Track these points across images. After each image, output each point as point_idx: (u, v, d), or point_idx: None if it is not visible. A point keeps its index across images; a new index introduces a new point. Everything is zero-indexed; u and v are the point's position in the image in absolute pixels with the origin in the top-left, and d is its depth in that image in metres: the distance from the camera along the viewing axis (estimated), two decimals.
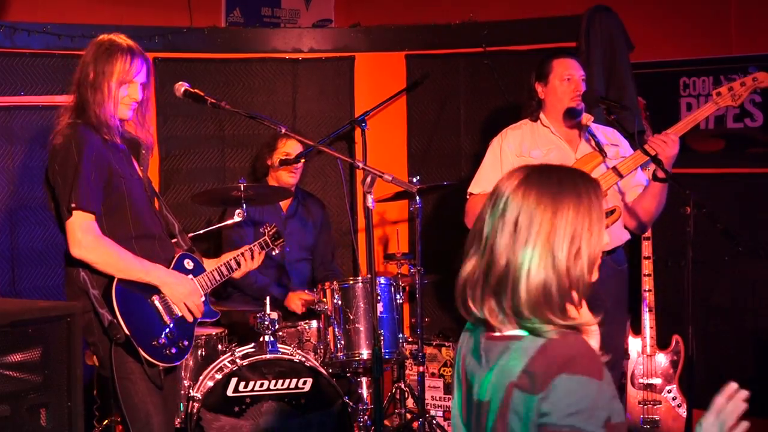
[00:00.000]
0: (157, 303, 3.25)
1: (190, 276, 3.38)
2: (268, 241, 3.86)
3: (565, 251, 1.82)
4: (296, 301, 4.66)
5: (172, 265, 3.34)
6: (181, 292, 3.29)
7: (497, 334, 1.90)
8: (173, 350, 3.27)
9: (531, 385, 1.80)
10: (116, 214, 3.24)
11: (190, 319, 3.32)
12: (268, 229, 3.92)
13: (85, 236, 3.13)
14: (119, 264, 3.18)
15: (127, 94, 3.25)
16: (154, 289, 3.25)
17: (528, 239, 1.82)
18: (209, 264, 3.53)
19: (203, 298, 3.40)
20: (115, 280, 3.18)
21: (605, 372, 1.82)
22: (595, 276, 1.91)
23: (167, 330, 3.26)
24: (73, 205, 3.11)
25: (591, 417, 1.76)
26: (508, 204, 1.85)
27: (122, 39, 3.29)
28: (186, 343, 3.33)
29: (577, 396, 1.75)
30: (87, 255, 3.15)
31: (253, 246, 3.73)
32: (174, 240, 3.49)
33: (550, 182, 1.85)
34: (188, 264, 3.40)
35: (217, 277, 3.48)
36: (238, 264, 3.59)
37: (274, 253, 3.94)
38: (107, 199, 3.21)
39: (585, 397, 1.76)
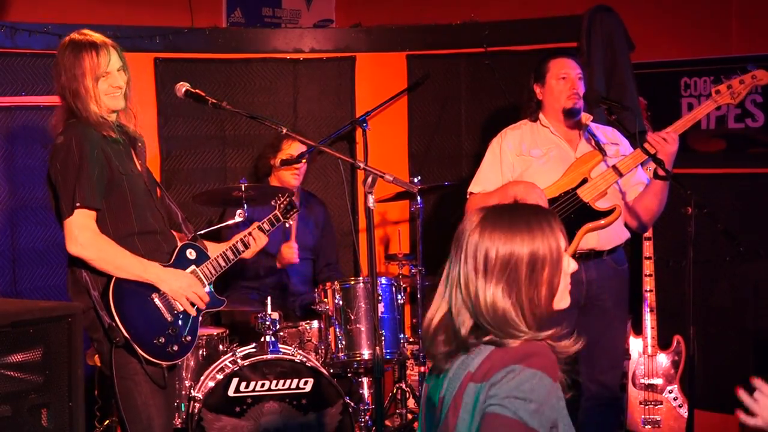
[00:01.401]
0: (157, 301, 3.24)
1: (192, 266, 3.36)
2: (279, 215, 3.78)
3: (524, 283, 1.94)
4: (288, 250, 4.62)
5: (173, 257, 3.32)
6: (179, 287, 3.26)
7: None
8: (175, 347, 3.26)
9: (482, 375, 1.87)
10: (119, 211, 3.23)
11: (193, 312, 3.30)
12: (280, 200, 3.83)
13: (81, 233, 3.13)
14: (116, 261, 3.17)
15: (107, 86, 3.24)
16: (154, 287, 3.25)
17: (491, 276, 1.94)
18: (215, 250, 3.50)
19: (207, 288, 3.38)
20: (113, 281, 3.17)
21: (559, 377, 1.88)
22: (566, 302, 2.01)
23: (169, 327, 3.25)
24: (77, 204, 3.11)
25: (536, 411, 1.81)
26: (469, 244, 1.99)
27: (83, 35, 3.27)
28: (189, 338, 3.31)
29: (526, 385, 1.82)
30: (83, 252, 3.14)
31: (262, 223, 3.67)
32: (180, 234, 3.49)
33: (503, 221, 1.98)
34: (190, 254, 3.38)
35: (223, 263, 3.45)
36: (246, 245, 3.55)
37: (287, 225, 3.89)
38: (109, 197, 3.21)
39: (534, 388, 1.82)
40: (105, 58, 3.22)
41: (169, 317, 3.25)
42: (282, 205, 3.81)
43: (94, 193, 3.14)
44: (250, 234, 3.58)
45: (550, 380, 1.84)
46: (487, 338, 1.93)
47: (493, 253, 1.94)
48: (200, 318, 3.37)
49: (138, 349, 3.17)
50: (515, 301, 1.93)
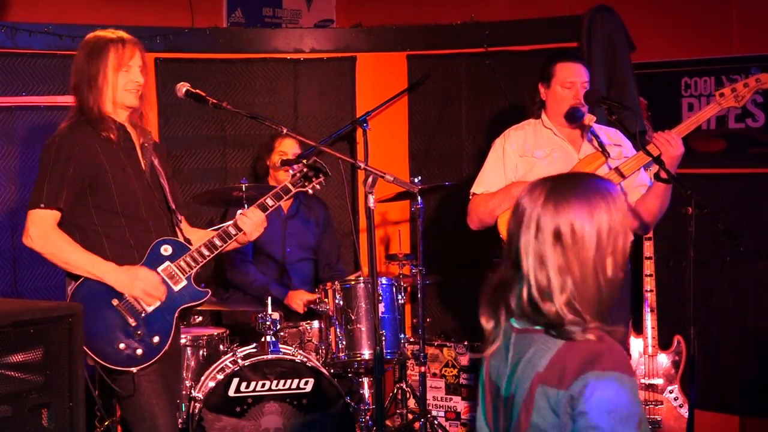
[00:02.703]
0: (117, 306, 3.19)
1: (167, 262, 3.28)
2: (289, 186, 3.51)
3: (608, 253, 1.88)
4: (297, 300, 4.65)
5: (145, 255, 3.26)
6: (124, 283, 3.18)
7: (527, 328, 1.92)
8: (139, 351, 3.19)
9: (558, 380, 1.82)
10: (105, 207, 3.24)
11: (150, 303, 3.20)
12: (299, 167, 3.54)
13: (32, 227, 3.17)
14: (64, 256, 3.18)
15: (127, 80, 3.25)
16: (114, 292, 3.20)
17: (573, 249, 1.86)
18: (201, 239, 3.40)
19: (184, 282, 3.29)
20: (72, 289, 3.18)
21: (633, 371, 1.86)
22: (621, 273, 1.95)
23: (133, 331, 3.19)
24: (41, 204, 3.16)
25: (630, 417, 1.78)
26: (541, 220, 1.89)
27: (109, 32, 3.31)
28: (158, 339, 3.22)
29: (610, 394, 1.78)
30: (33, 245, 3.18)
31: (265, 199, 3.46)
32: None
33: (577, 190, 1.90)
34: (165, 250, 3.30)
35: (207, 252, 3.33)
36: (239, 228, 3.38)
37: (310, 192, 3.58)
38: (95, 193, 3.23)
39: (619, 393, 1.78)
40: (129, 52, 3.25)
41: (133, 321, 3.20)
42: (299, 173, 3.55)
43: (60, 194, 3.17)
44: (243, 214, 3.41)
45: (627, 377, 1.80)
46: (553, 329, 1.87)
47: (579, 226, 1.86)
48: (174, 317, 3.27)
49: (97, 359, 3.14)
50: (603, 276, 1.87)
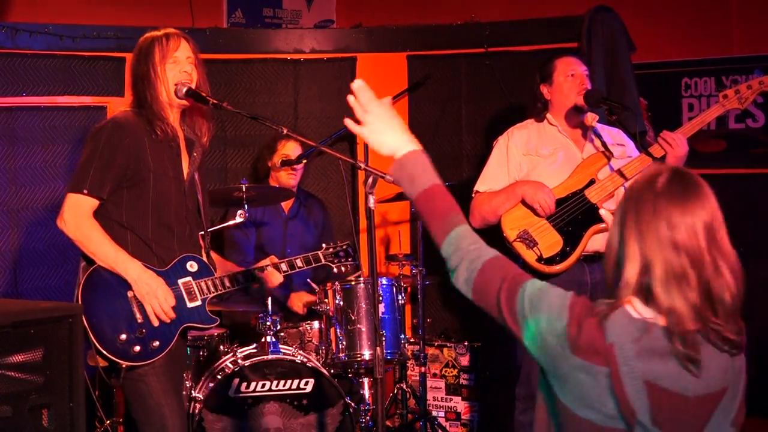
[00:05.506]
0: (131, 298, 3.18)
1: (188, 278, 3.29)
2: (320, 256, 3.89)
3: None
4: (298, 302, 4.66)
5: (169, 264, 3.27)
6: (143, 289, 3.16)
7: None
8: (137, 348, 3.16)
9: None
10: (137, 204, 3.23)
11: (154, 321, 3.18)
12: (334, 246, 3.93)
13: (68, 211, 3.16)
14: (91, 246, 3.16)
15: (176, 72, 3.24)
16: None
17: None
18: (226, 269, 3.47)
19: (198, 302, 3.30)
20: (91, 268, 3.17)
21: None
22: None
23: (138, 327, 3.17)
24: (85, 191, 3.15)
25: None
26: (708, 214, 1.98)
27: (156, 31, 3.31)
28: (157, 344, 3.19)
29: None
30: (65, 229, 3.17)
31: (295, 259, 3.74)
32: (220, 258, 3.51)
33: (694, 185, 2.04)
34: (191, 266, 3.32)
35: (228, 284, 3.39)
36: (257, 278, 3.55)
37: (335, 271, 3.97)
38: (132, 188, 3.22)
39: None
40: (173, 44, 3.25)
41: (140, 317, 3.18)
42: (334, 249, 3.90)
43: (105, 183, 3.16)
44: (267, 274, 3.60)
45: None
46: None
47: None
48: (178, 330, 3.25)
49: (94, 341, 3.11)
50: None
